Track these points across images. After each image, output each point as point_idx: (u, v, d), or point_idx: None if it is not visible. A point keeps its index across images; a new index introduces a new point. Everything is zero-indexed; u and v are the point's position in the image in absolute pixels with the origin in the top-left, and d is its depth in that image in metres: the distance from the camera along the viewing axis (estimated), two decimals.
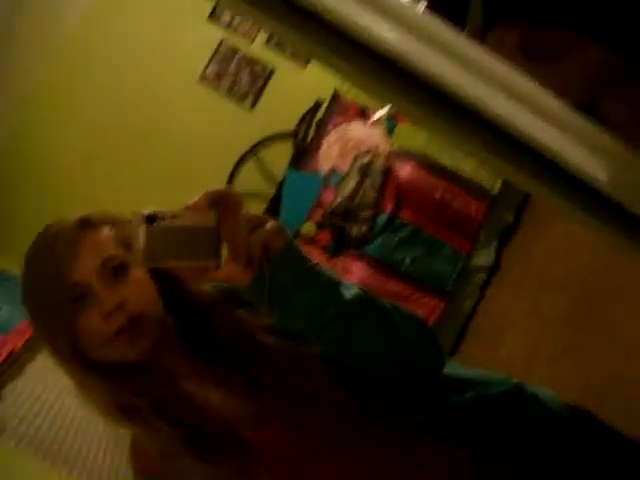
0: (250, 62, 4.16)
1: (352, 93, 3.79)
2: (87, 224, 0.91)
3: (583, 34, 0.74)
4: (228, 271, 0.78)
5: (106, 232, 0.91)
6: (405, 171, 3.30)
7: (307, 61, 4.09)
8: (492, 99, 0.62)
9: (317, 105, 3.88)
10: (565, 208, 0.71)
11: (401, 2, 0.64)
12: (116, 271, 0.89)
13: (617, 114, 0.72)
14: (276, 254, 0.78)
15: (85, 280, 0.87)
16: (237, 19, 4.10)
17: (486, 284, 3.20)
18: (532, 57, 0.75)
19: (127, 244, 0.88)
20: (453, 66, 0.62)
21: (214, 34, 4.16)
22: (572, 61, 0.75)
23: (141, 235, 0.74)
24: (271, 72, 4.18)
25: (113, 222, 0.93)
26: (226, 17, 4.13)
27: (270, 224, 0.78)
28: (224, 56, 4.15)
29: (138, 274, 0.90)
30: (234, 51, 4.15)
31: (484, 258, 3.21)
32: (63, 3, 4.08)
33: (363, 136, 3.61)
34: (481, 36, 0.81)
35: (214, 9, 4.11)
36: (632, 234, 0.69)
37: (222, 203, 0.76)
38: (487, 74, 0.63)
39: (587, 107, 0.65)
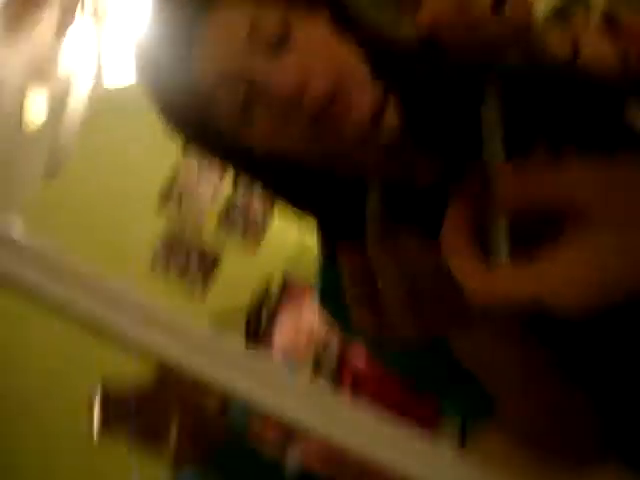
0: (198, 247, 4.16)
1: (303, 273, 3.76)
2: None
3: None
4: None
5: None
6: (361, 359, 3.21)
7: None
8: None
9: (266, 291, 3.84)
10: None
11: None
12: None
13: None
14: None
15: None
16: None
17: None
18: None
19: None
20: None
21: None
22: None
23: None
24: (216, 259, 4.17)
25: None
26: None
27: None
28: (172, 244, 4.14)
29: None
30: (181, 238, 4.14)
31: None
32: None
33: (315, 322, 3.56)
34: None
35: None
36: None
37: None
38: None
39: None
